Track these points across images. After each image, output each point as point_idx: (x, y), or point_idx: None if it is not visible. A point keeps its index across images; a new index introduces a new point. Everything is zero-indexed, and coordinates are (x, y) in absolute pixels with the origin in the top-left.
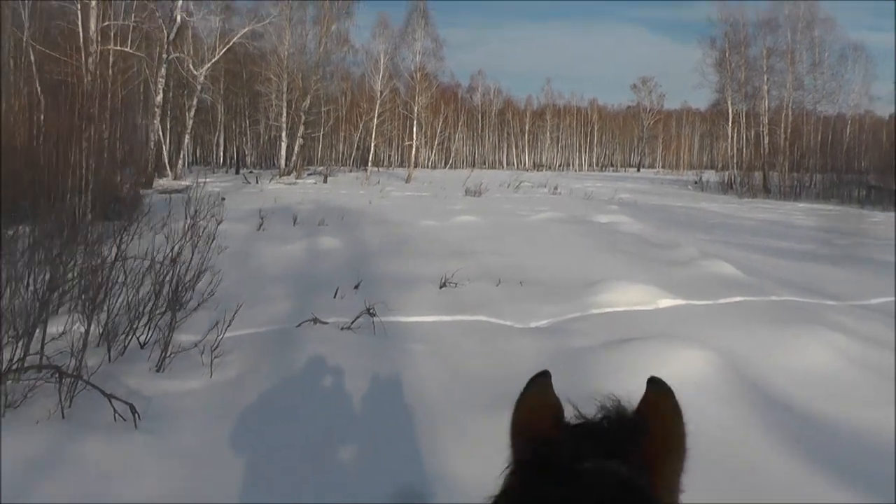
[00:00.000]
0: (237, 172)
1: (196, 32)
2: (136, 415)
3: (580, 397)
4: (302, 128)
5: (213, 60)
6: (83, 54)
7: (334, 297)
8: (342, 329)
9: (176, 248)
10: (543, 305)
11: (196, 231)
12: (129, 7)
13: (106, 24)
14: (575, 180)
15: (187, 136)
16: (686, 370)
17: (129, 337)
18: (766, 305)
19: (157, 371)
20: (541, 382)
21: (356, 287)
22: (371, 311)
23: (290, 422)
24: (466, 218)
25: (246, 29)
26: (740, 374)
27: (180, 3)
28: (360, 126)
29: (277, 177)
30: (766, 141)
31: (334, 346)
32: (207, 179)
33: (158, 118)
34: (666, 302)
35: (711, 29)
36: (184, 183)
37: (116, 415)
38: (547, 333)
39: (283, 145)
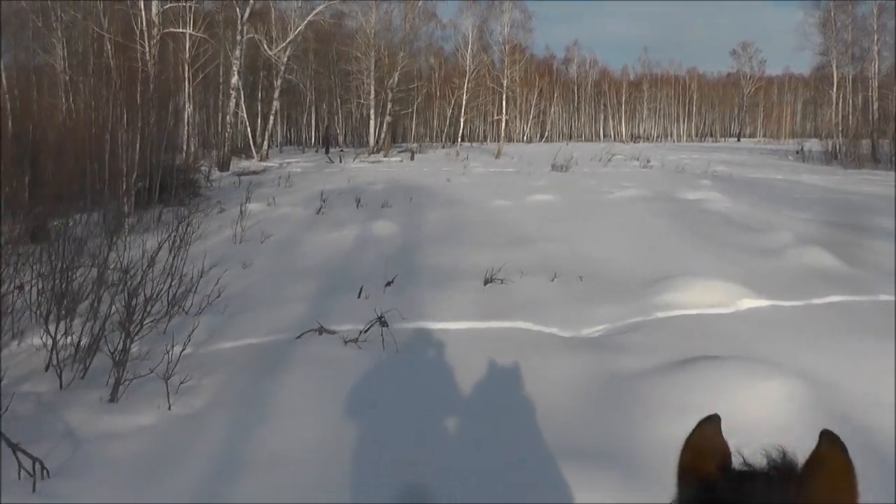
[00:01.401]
0: (326, 152)
1: (281, 14)
2: (45, 471)
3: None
4: (389, 105)
5: (290, 39)
6: (146, 38)
7: (358, 296)
8: (346, 343)
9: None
10: (601, 306)
11: (182, 233)
12: None
13: (170, 5)
14: (671, 151)
15: (271, 118)
16: (763, 410)
17: (90, 359)
18: (872, 308)
19: (111, 401)
20: (710, 425)
21: (388, 284)
22: (383, 320)
23: (237, 482)
24: (543, 197)
25: (322, 6)
26: (836, 412)
27: None
28: (452, 101)
29: (365, 155)
30: (876, 106)
31: (327, 368)
32: (292, 160)
33: (235, 100)
34: (748, 303)
35: None
36: (263, 164)
37: (22, 471)
38: (596, 347)
39: (371, 123)
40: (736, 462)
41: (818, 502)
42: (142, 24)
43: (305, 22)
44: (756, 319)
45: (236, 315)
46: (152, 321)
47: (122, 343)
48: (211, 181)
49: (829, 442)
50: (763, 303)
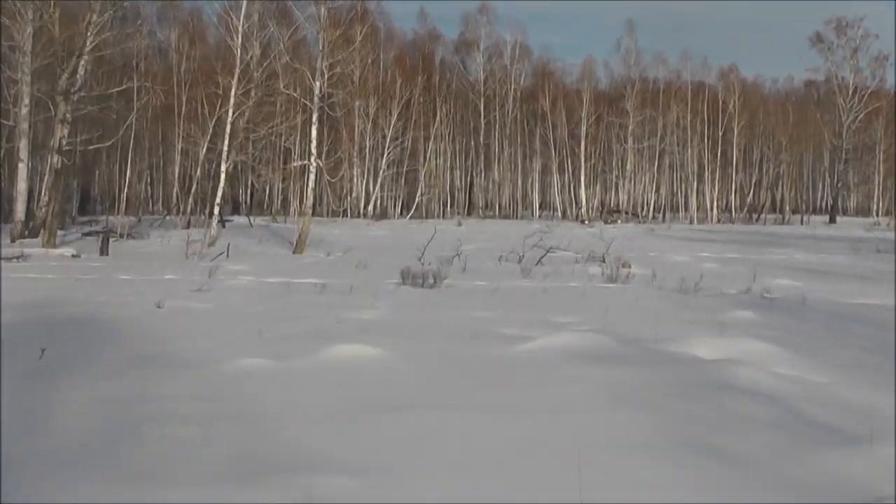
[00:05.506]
0: None
1: None
2: None
3: None
4: (63, 130)
5: None
6: None
7: None
8: None
9: None
10: None
11: None
12: None
13: None
14: (683, 244)
15: None
16: None
17: None
18: None
19: None
20: None
21: None
22: None
23: None
24: (357, 349)
25: None
26: None
27: None
28: (210, 126)
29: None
30: None
31: None
32: None
33: None
34: None
35: None
36: None
37: None
38: None
39: (21, 170)
40: None
41: None
42: None
43: None
44: None
45: None
46: None
47: None
48: None
49: None
50: None
